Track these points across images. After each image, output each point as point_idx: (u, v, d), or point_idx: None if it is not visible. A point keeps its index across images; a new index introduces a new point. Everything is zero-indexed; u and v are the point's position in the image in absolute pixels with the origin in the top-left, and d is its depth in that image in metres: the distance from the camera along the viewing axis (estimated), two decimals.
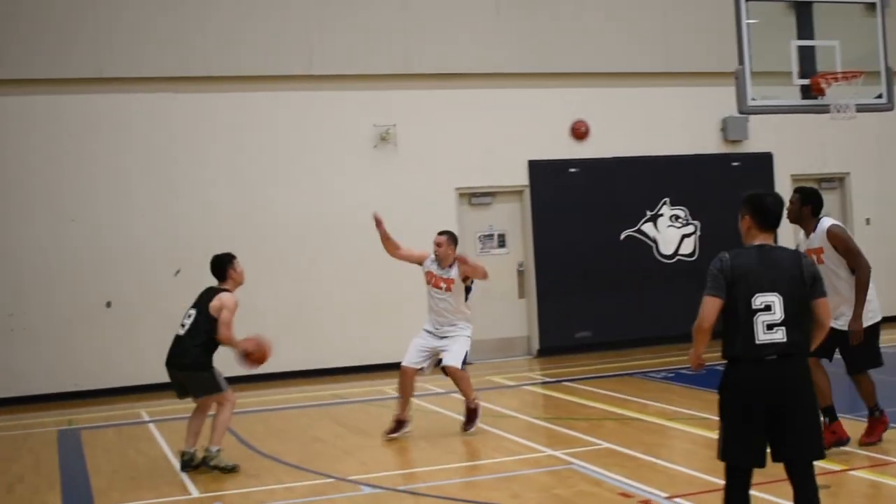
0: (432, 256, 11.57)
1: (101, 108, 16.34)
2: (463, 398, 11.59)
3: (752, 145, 19.40)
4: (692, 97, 18.96)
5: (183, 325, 10.33)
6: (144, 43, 16.45)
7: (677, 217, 18.97)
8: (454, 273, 11.41)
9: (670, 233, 18.96)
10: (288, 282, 16.70)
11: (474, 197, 18.18)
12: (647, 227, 18.83)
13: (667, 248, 18.95)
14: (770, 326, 5.96)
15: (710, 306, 6.07)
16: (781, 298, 5.98)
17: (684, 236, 19.03)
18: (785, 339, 5.94)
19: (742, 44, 11.79)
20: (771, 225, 6.22)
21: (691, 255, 18.97)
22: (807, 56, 12.22)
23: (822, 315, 6.15)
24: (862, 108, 12.25)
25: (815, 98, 12.11)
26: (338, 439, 11.56)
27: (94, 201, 16.23)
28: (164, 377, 15.67)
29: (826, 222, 9.32)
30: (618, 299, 18.42)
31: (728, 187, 17.54)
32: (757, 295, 5.99)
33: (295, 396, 15.02)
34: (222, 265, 10.61)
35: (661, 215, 18.91)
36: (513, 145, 18.10)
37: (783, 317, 5.96)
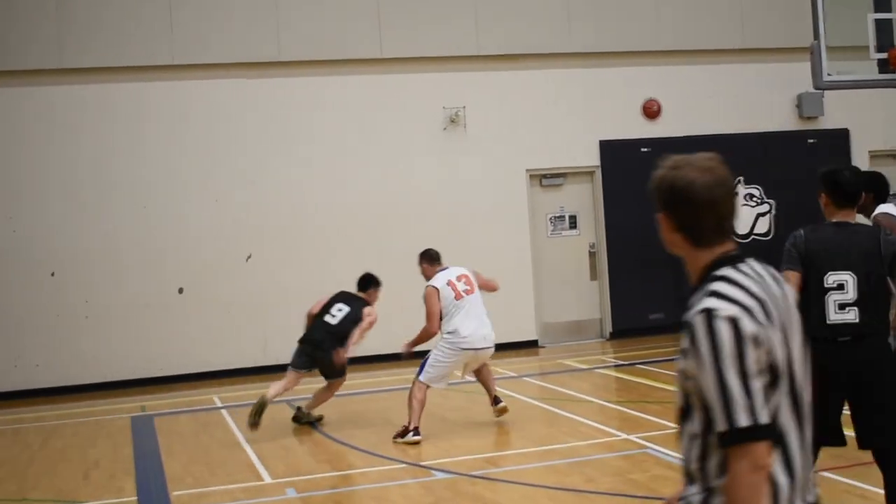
0: None
1: (174, 97, 16.40)
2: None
3: (829, 122, 19.01)
4: (766, 73, 18.60)
5: (334, 316, 11.51)
6: (214, 30, 16.48)
7: (752, 196, 18.67)
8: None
9: (745, 212, 18.65)
10: (359, 265, 16.59)
11: (545, 178, 18.02)
12: None
13: (741, 227, 18.65)
14: (842, 306, 5.82)
15: (790, 280, 5.93)
16: (855, 278, 5.83)
17: (759, 215, 18.73)
18: (857, 320, 5.80)
19: (817, 18, 11.56)
20: (846, 201, 6.05)
21: (766, 234, 18.66)
22: (884, 29, 11.98)
23: None
24: None
25: (893, 72, 11.84)
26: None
27: (165, 188, 16.29)
28: (236, 363, 15.85)
29: (878, 209, 8.53)
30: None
31: (804, 165, 17.18)
32: (829, 273, 5.86)
33: (370, 381, 15.00)
34: (369, 284, 12.15)
35: (736, 194, 18.59)
36: (583, 126, 17.91)
37: (856, 297, 5.81)
